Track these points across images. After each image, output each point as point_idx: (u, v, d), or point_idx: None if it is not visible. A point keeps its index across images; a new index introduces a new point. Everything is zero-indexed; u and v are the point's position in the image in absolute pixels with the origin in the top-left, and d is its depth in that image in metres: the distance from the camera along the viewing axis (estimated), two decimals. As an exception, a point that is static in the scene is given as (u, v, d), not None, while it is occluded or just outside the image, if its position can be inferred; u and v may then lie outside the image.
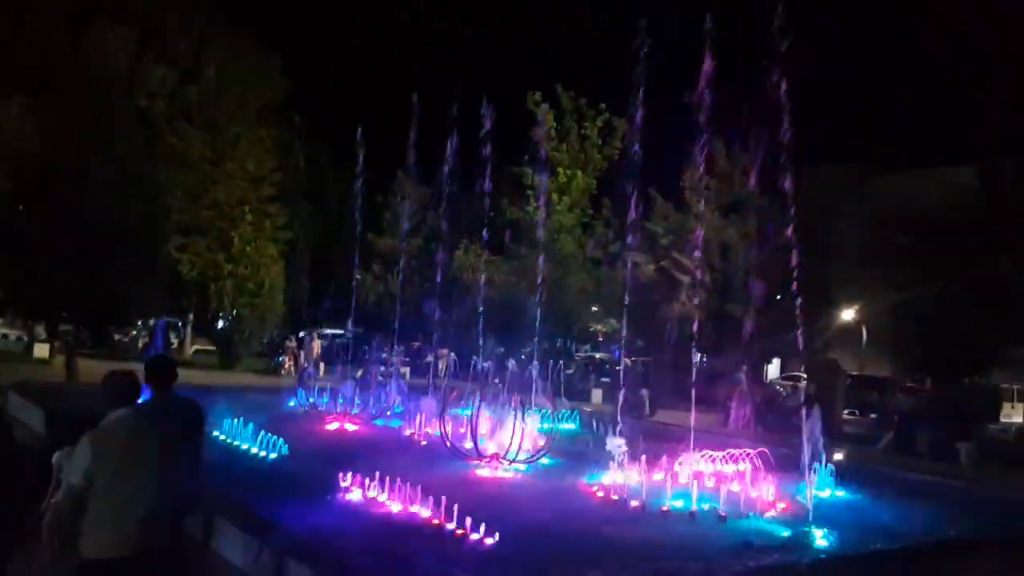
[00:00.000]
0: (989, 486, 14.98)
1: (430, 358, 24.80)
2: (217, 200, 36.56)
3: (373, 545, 7.39)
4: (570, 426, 17.49)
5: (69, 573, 4.77)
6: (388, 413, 16.49)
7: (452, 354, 22.95)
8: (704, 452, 12.00)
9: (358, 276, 42.40)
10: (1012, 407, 33.72)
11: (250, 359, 36.94)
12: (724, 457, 11.82)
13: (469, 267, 37.36)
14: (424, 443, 13.61)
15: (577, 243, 38.04)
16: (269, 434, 11.86)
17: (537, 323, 17.95)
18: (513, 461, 11.84)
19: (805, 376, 33.58)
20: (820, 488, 11.23)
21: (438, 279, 23.56)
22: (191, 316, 39.82)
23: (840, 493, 11.66)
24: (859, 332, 40.93)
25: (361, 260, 43.09)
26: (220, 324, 37.34)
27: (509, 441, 12.13)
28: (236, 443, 12.37)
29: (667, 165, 33.13)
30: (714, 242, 32.19)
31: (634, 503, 10.08)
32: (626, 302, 16.82)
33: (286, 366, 32.94)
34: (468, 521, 7.83)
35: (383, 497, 8.96)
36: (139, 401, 5.42)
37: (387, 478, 9.00)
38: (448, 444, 12.10)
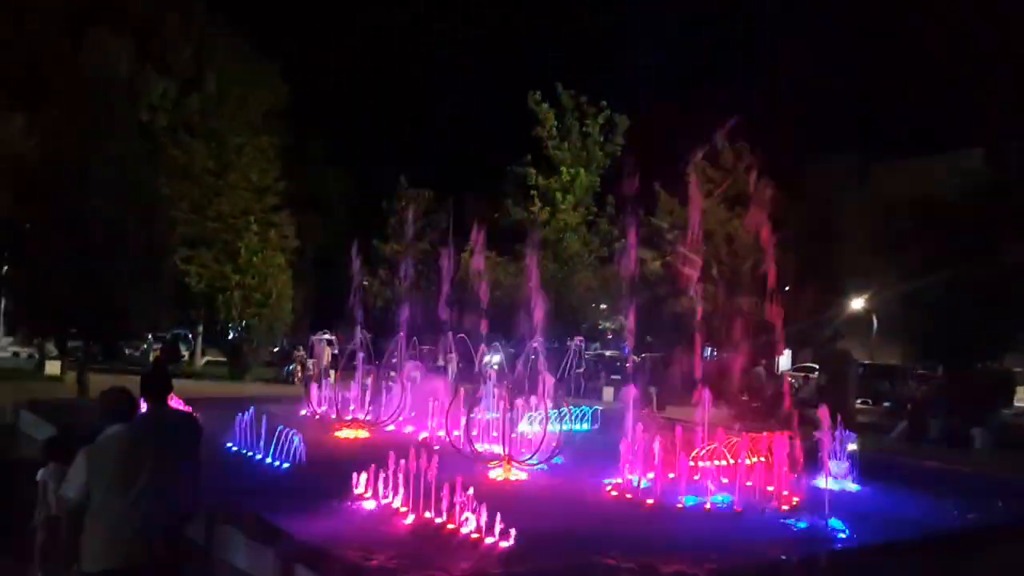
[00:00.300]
0: (1004, 472, 14.86)
1: (440, 362, 24.73)
2: (222, 212, 36.73)
3: (385, 550, 7.38)
4: (583, 426, 17.44)
5: None
6: (400, 418, 16.45)
7: (456, 357, 22.83)
8: (730, 437, 11.77)
9: (365, 282, 42.63)
10: (1026, 391, 33.48)
11: (260, 368, 36.99)
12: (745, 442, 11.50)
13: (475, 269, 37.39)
14: (437, 448, 13.63)
15: (582, 241, 38.00)
16: (281, 443, 11.85)
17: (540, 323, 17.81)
18: (526, 463, 11.82)
19: (817, 367, 33.49)
20: (835, 479, 11.16)
21: (444, 282, 23.50)
22: (200, 328, 39.91)
23: (855, 484, 11.60)
24: (869, 321, 40.79)
25: (367, 265, 43.34)
26: (230, 335, 37.42)
27: (521, 442, 12.13)
28: (248, 452, 12.38)
29: (671, 159, 33.18)
30: (720, 235, 32.18)
31: (649, 501, 10.05)
32: (632, 298, 16.74)
33: (298, 376, 32.89)
34: (483, 524, 7.82)
35: (397, 503, 8.95)
36: (137, 415, 5.48)
37: (400, 483, 8.99)
38: (462, 447, 12.10)
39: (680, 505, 9.88)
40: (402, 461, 8.93)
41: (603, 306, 41.47)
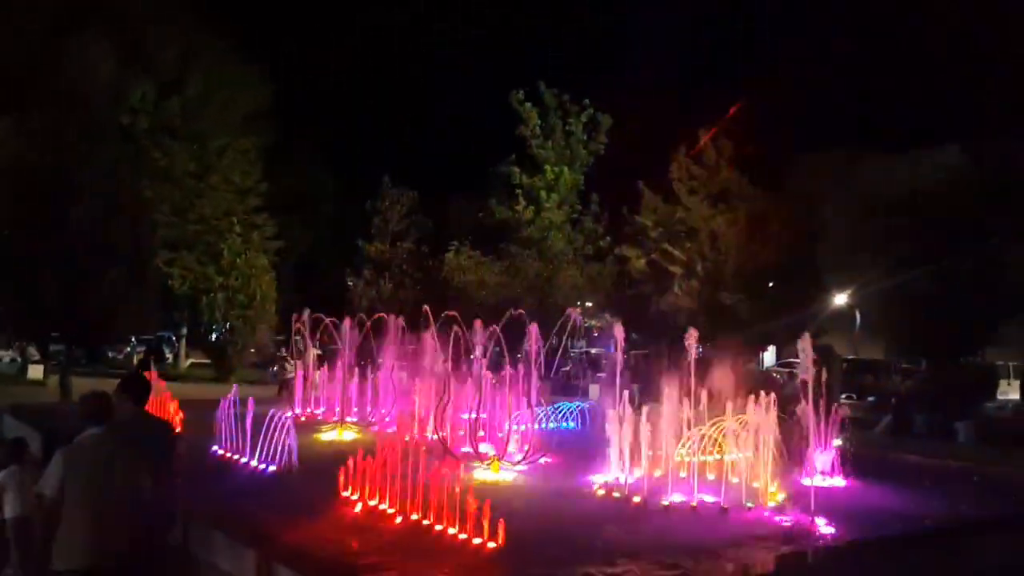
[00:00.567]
0: (987, 465, 14.96)
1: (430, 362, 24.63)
2: (204, 214, 36.55)
3: (371, 553, 7.35)
4: (570, 424, 17.45)
5: None
6: (386, 419, 16.40)
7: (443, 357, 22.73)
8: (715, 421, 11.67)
9: (350, 283, 42.51)
10: (1008, 384, 33.73)
11: (245, 370, 36.79)
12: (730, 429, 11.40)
13: (460, 269, 37.43)
14: (424, 448, 13.57)
15: (566, 239, 38.04)
16: (267, 445, 11.77)
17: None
18: (512, 462, 11.81)
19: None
20: (820, 475, 11.22)
21: (429, 282, 23.48)
22: (184, 330, 39.70)
23: (840, 479, 11.65)
24: (852, 316, 40.95)
25: (352, 266, 43.21)
26: (214, 337, 37.22)
27: (507, 442, 12.13)
28: (234, 456, 12.29)
29: (655, 157, 33.29)
30: (704, 232, 32.22)
31: (635, 499, 10.06)
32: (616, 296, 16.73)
33: (282, 377, 32.64)
34: (469, 526, 7.80)
35: (384, 505, 8.91)
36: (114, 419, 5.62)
37: (386, 485, 8.95)
38: (447, 448, 12.06)
39: (667, 503, 9.90)
40: (387, 462, 8.91)
41: (587, 304, 41.40)
